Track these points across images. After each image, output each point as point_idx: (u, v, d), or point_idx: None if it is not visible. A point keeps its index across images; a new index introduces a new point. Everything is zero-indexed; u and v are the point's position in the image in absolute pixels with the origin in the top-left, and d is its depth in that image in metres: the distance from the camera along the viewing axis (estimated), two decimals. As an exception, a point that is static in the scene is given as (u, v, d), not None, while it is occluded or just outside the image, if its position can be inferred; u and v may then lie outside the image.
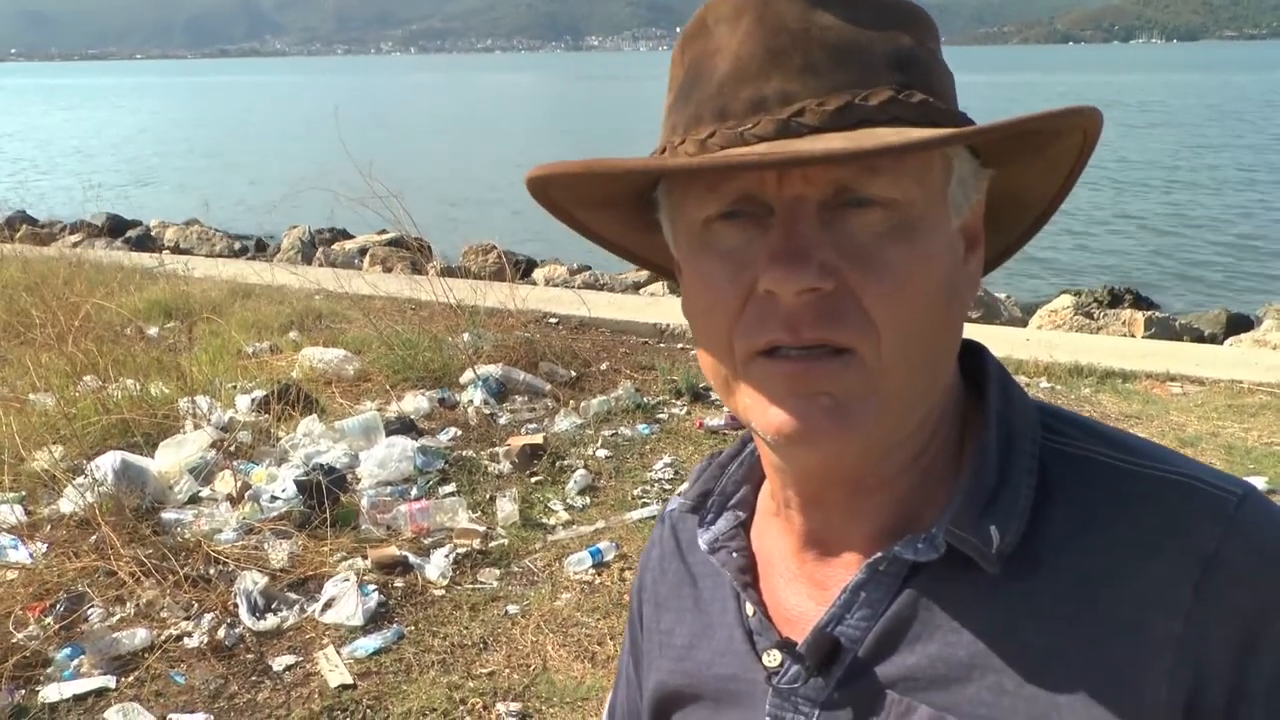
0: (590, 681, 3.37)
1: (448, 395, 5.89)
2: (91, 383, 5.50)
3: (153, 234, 13.43)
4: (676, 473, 4.98)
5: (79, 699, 3.27)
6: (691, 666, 0.84)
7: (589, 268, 10.65)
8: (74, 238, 13.02)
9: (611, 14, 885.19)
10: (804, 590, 0.78)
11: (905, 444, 0.72)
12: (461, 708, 3.25)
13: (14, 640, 3.51)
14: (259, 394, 5.51)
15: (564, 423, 5.55)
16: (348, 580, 3.83)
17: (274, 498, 4.40)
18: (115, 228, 13.68)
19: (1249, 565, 0.65)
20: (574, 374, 6.32)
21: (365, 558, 4.05)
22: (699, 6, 0.70)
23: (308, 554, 4.05)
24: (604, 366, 6.60)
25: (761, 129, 0.63)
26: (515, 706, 3.25)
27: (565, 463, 5.06)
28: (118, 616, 3.69)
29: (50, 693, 3.29)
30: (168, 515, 4.29)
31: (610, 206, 0.76)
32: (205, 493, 4.56)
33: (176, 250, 12.46)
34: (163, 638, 3.57)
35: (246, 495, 4.44)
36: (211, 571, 3.90)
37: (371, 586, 3.85)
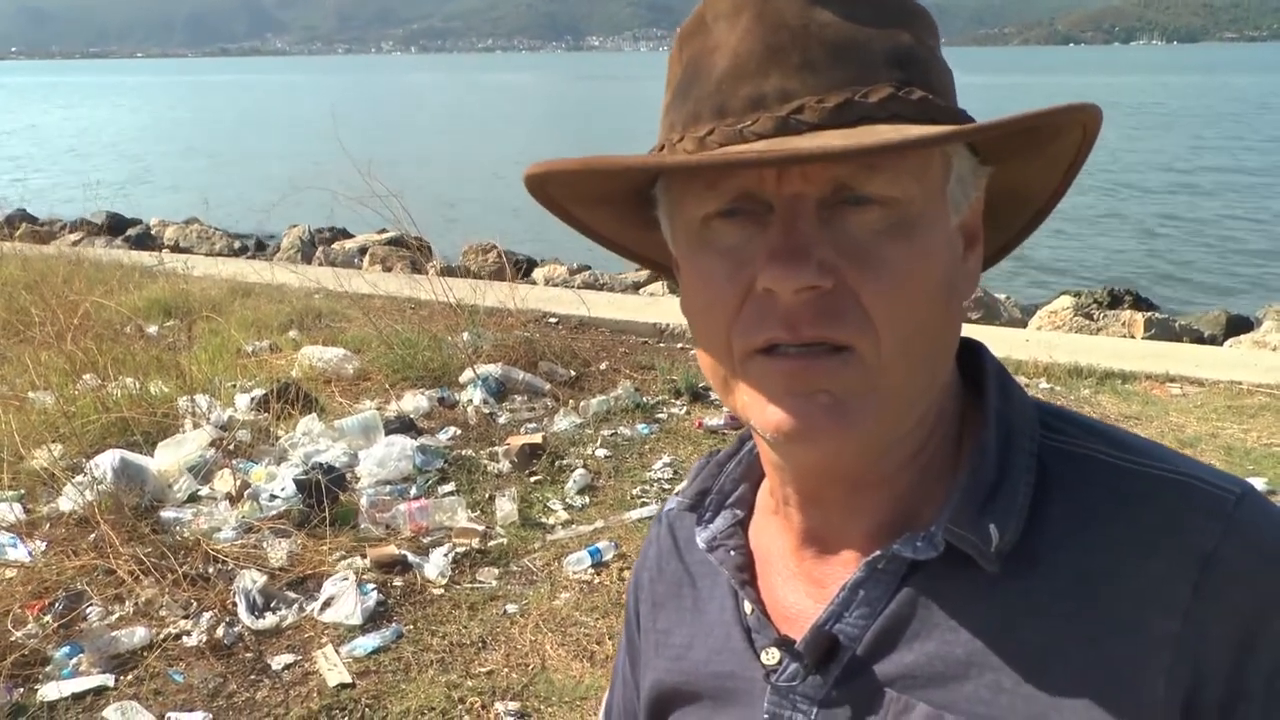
0: (589, 681, 3.37)
1: (447, 394, 5.89)
2: (91, 381, 5.50)
3: (152, 232, 13.43)
4: (676, 472, 4.98)
5: (78, 697, 3.27)
6: (689, 665, 0.83)
7: (589, 267, 10.65)
8: (74, 236, 13.02)
9: (612, 14, 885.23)
10: (802, 588, 0.78)
11: (904, 441, 0.72)
12: (460, 707, 3.25)
13: (13, 638, 3.51)
14: (258, 393, 5.51)
15: (563, 422, 5.55)
16: (346, 579, 3.83)
17: (273, 496, 4.40)
18: (115, 226, 13.66)
19: (1247, 564, 0.65)
20: (573, 373, 6.32)
21: (364, 557, 4.05)
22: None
23: (307, 553, 4.05)
24: (603, 366, 6.60)
25: (761, 126, 0.63)
26: (514, 706, 3.25)
27: (564, 462, 5.06)
28: (116, 615, 3.69)
29: (49, 691, 3.29)
30: (167, 514, 4.29)
31: (608, 203, 0.76)
32: (204, 491, 4.56)
33: (176, 249, 12.46)
34: (161, 636, 3.57)
35: (245, 494, 4.44)
36: (210, 570, 3.90)
37: (370, 585, 3.85)
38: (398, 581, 3.95)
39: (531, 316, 7.30)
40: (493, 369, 6.03)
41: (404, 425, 5.30)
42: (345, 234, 12.48)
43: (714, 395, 4.98)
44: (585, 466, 4.99)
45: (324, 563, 4.00)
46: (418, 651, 3.53)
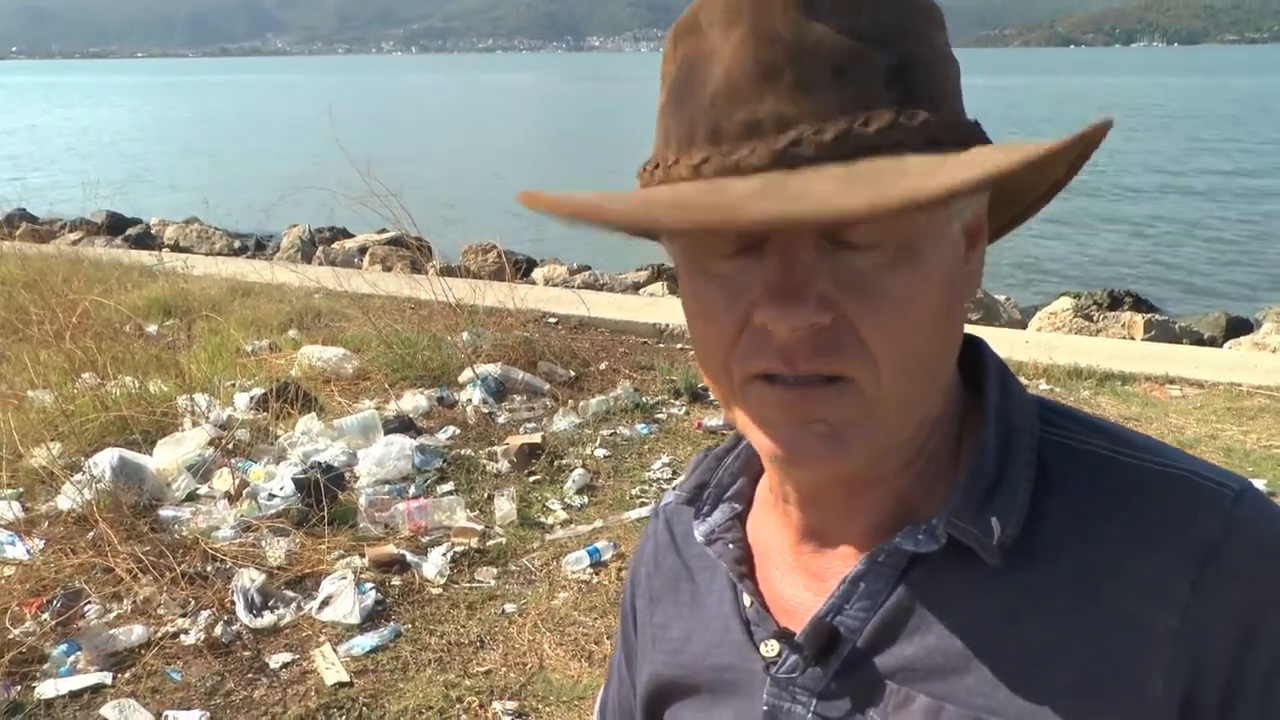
0: (587, 680, 3.37)
1: (446, 394, 5.89)
2: (90, 380, 5.50)
3: (152, 232, 13.43)
4: (675, 472, 4.98)
5: (75, 695, 3.27)
6: (687, 658, 0.83)
7: (588, 267, 10.65)
8: (73, 235, 13.02)
9: (612, 14, 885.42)
10: (801, 581, 0.78)
11: (904, 444, 0.72)
12: (458, 706, 3.24)
13: (10, 636, 3.51)
14: (258, 392, 5.51)
15: (562, 422, 5.55)
16: (345, 578, 3.82)
17: (272, 495, 4.40)
18: (115, 225, 13.65)
19: (1246, 560, 0.65)
20: (573, 373, 6.32)
21: (363, 556, 4.04)
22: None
23: (305, 552, 4.05)
24: (603, 366, 6.60)
25: (757, 158, 0.60)
26: (512, 705, 3.24)
27: (563, 462, 5.06)
28: (115, 613, 3.69)
29: (46, 689, 3.28)
30: (165, 512, 4.29)
31: None
32: (203, 490, 4.56)
33: (176, 248, 12.45)
34: (159, 634, 3.57)
35: (244, 493, 4.44)
36: (209, 569, 3.90)
37: (369, 584, 3.85)
38: (396, 581, 3.95)
39: (531, 316, 7.30)
40: (492, 369, 6.03)
41: (403, 425, 5.30)
42: (345, 234, 12.47)
43: (713, 396, 4.98)
44: (584, 466, 4.99)
45: (322, 562, 4.00)
46: (416, 651, 3.53)
